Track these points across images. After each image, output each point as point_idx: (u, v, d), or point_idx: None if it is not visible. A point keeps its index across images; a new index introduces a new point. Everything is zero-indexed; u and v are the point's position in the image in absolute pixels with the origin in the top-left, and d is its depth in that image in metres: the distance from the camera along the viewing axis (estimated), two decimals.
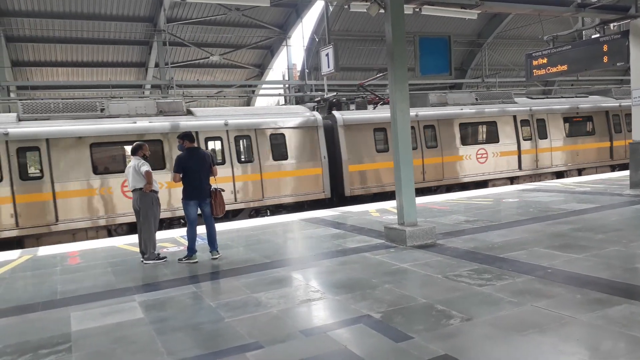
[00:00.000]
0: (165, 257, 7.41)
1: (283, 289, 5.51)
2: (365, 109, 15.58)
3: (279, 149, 13.42)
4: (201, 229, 7.40)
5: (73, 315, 5.05)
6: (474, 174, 15.98)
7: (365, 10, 8.00)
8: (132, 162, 7.31)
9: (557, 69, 10.09)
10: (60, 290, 6.08)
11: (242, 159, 13.06)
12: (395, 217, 7.98)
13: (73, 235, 11.38)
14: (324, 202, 13.94)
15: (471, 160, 15.90)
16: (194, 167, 7.10)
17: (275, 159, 13.34)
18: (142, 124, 12.03)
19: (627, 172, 11.78)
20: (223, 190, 7.42)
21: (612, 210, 9.03)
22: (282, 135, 13.52)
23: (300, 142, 13.69)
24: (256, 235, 9.12)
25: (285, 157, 13.48)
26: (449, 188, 15.57)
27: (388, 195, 14.33)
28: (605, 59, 9.38)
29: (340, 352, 3.77)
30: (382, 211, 10.98)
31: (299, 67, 25.01)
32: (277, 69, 25.82)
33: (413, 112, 14.42)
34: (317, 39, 22.67)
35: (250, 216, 13.09)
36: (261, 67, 25.88)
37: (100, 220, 11.51)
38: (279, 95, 24.55)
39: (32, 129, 11.10)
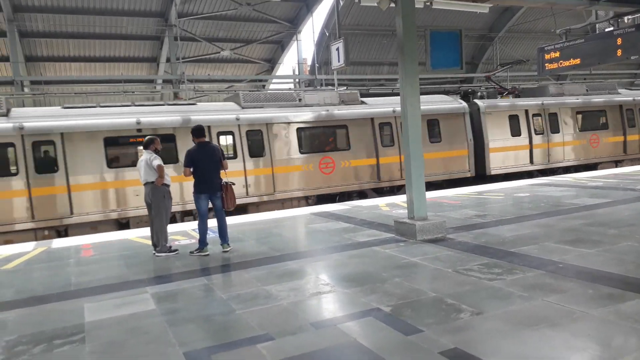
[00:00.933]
0: (176, 250, 7.48)
1: (293, 282, 5.54)
2: (495, 98, 17.54)
3: (433, 132, 15.25)
4: (212, 222, 7.46)
5: (86, 307, 5.13)
6: (587, 158, 17.92)
7: (376, 4, 7.96)
8: (144, 156, 7.37)
9: (570, 62, 9.96)
10: (74, 282, 6.17)
11: None
12: (405, 211, 7.97)
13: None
14: (468, 180, 15.65)
15: (585, 145, 17.89)
16: (204, 161, 7.15)
17: (431, 141, 15.04)
18: (333, 111, 14.23)
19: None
20: (234, 184, 7.46)
21: (625, 205, 8.94)
22: (437, 120, 15.31)
23: (450, 127, 15.56)
24: (267, 228, 9.16)
25: (439, 140, 15.29)
26: (567, 169, 17.59)
27: (519, 175, 16.34)
28: (619, 52, 9.24)
29: (350, 344, 3.79)
30: (392, 205, 10.97)
31: (309, 62, 24.98)
32: (288, 64, 25.92)
33: (539, 100, 16.93)
34: (327, 33, 22.60)
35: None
36: (271, 62, 25.88)
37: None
38: (289, 90, 24.54)
39: (255, 115, 13.21)
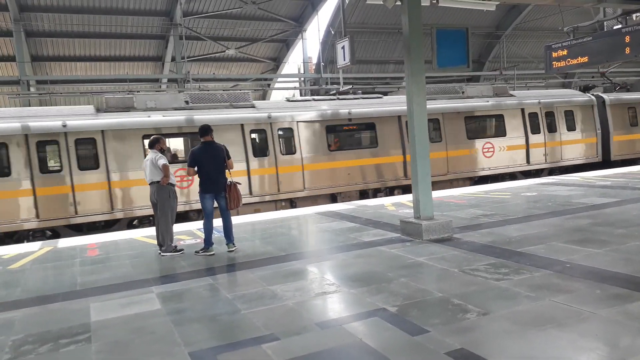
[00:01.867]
0: (182, 250, 7.48)
1: (299, 282, 5.53)
2: (612, 92, 19.25)
3: (569, 123, 17.36)
4: (218, 222, 7.46)
5: (92, 306, 5.14)
6: None
7: (382, 2, 7.93)
8: (150, 156, 7.39)
9: (578, 60, 9.88)
10: (80, 282, 6.19)
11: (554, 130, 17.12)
12: (411, 210, 7.93)
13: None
14: (595, 165, 17.65)
15: None
16: (208, 160, 7.14)
17: (568, 130, 17.32)
18: (493, 102, 16.32)
19: None
20: (239, 184, 7.45)
21: (634, 204, 8.87)
22: (572, 112, 17.35)
23: (582, 118, 17.51)
24: (272, 228, 9.15)
25: (574, 129, 17.42)
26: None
27: (636, 161, 18.20)
28: (627, 50, 9.15)
29: (355, 344, 3.78)
30: (398, 205, 10.94)
31: (314, 60, 24.95)
32: (293, 62, 25.80)
33: (608, 96, 18.52)
34: (332, 32, 22.57)
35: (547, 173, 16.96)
36: (277, 61, 25.87)
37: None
38: (294, 88, 24.53)
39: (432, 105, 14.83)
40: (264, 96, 26.64)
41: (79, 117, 11.56)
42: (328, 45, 23.25)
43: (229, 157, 7.35)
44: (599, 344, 3.51)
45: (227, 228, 7.35)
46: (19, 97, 18.31)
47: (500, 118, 16.34)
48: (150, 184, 7.39)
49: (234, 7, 21.44)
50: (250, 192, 12.76)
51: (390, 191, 14.61)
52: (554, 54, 10.25)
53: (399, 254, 6.48)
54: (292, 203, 13.47)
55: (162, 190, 7.32)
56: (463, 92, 16.54)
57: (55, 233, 11.36)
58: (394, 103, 14.83)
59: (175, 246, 7.51)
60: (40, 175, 11.00)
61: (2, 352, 4.09)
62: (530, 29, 27.15)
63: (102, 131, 11.53)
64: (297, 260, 6.53)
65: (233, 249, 7.33)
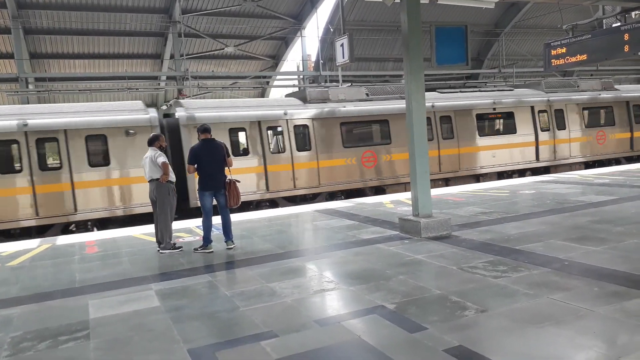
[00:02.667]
0: (181, 247, 7.49)
1: (297, 279, 5.54)
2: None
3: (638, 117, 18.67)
4: (217, 219, 7.46)
5: (91, 303, 5.14)
6: None
7: (380, 0, 7.92)
8: (149, 153, 7.38)
9: (577, 58, 9.88)
10: (79, 279, 6.19)
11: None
12: (410, 208, 7.94)
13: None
14: None
15: None
16: (208, 158, 7.14)
17: (637, 122, 18.52)
18: (604, 94, 18.16)
19: None
20: (239, 182, 7.44)
21: (632, 202, 8.88)
22: None
23: None
24: (270, 225, 9.16)
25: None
26: None
27: None
28: (626, 48, 9.16)
29: (354, 342, 3.78)
30: (396, 202, 10.95)
31: (313, 58, 24.91)
32: (292, 60, 25.78)
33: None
34: (331, 29, 22.54)
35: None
36: (276, 58, 25.83)
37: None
38: (294, 86, 24.51)
39: (559, 97, 17.28)
40: (262, 94, 26.61)
41: (295, 107, 13.82)
42: (327, 42, 23.22)
43: (228, 155, 7.35)
44: (596, 342, 3.53)
45: (226, 225, 7.36)
46: (18, 94, 18.27)
47: (609, 109, 18.07)
48: (150, 181, 7.38)
49: (232, 5, 21.40)
50: (440, 170, 15.37)
51: (521, 173, 16.75)
52: (553, 52, 10.26)
53: (398, 252, 6.48)
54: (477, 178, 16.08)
55: (162, 188, 7.31)
56: (578, 86, 18.29)
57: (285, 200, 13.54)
58: (527, 95, 17.22)
59: (174, 243, 7.51)
60: (270, 155, 13.29)
61: (0, 348, 4.09)
62: (529, 27, 27.14)
63: (312, 119, 13.71)
64: (296, 258, 6.53)
65: (232, 246, 7.33)
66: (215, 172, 7.20)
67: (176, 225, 9.03)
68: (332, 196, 13.99)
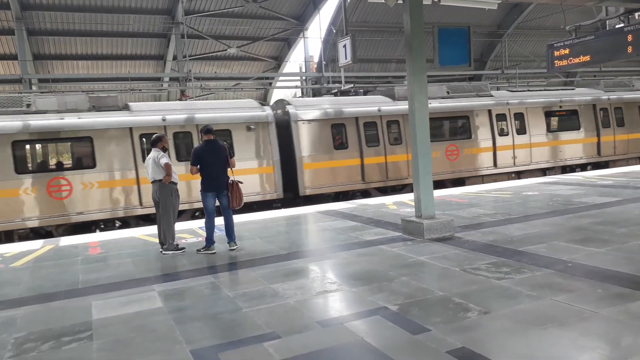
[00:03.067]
0: (183, 248, 7.50)
1: (300, 280, 5.54)
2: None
3: None
4: (220, 220, 7.46)
5: (94, 304, 5.15)
6: None
7: (383, 1, 7.93)
8: (152, 154, 7.39)
9: (580, 59, 9.86)
10: (82, 280, 6.20)
11: None
12: (413, 209, 7.94)
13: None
14: None
15: None
16: (210, 159, 7.15)
17: None
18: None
19: None
20: (241, 183, 7.45)
21: (635, 203, 8.85)
22: None
23: None
24: (273, 227, 9.16)
25: None
26: None
27: None
28: (630, 49, 9.13)
29: (356, 343, 3.78)
30: (399, 204, 10.94)
31: (315, 59, 24.90)
32: (294, 61, 25.78)
33: None
34: (334, 30, 22.53)
35: None
36: (278, 59, 25.83)
37: None
38: (296, 87, 24.51)
39: (619, 96, 18.47)
40: (265, 95, 26.61)
41: (387, 104, 14.80)
42: (329, 43, 23.21)
43: (231, 156, 7.36)
44: (600, 343, 3.51)
45: (229, 226, 7.36)
46: (21, 95, 18.30)
47: None
48: (153, 182, 7.40)
49: (235, 6, 21.41)
50: (514, 163, 16.39)
51: (583, 167, 17.72)
52: (556, 53, 10.24)
53: (401, 253, 6.48)
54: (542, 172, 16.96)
55: (165, 189, 7.32)
56: (633, 85, 19.27)
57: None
58: (587, 94, 18.11)
59: (177, 244, 7.52)
60: (367, 148, 14.30)
61: (4, 349, 4.10)
62: (532, 28, 27.07)
63: (402, 115, 14.36)
64: (299, 259, 6.53)
65: (234, 247, 7.34)
66: (218, 173, 7.21)
67: (179, 226, 9.05)
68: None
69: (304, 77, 24.33)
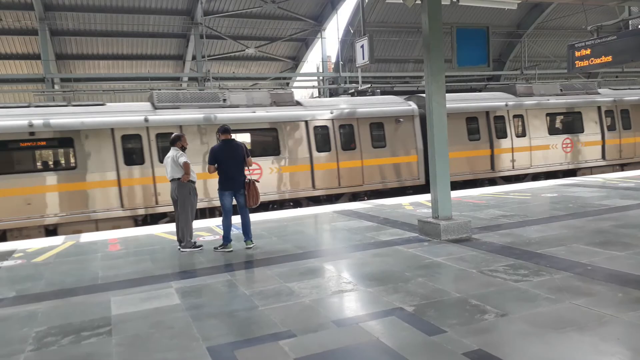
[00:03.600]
0: (201, 246, 7.57)
1: (316, 280, 5.55)
2: None
3: None
4: (237, 219, 7.51)
5: (113, 300, 5.23)
6: None
7: (401, 1, 7.90)
8: (171, 153, 7.48)
9: (601, 60, 9.70)
10: (101, 276, 6.30)
11: None
12: (429, 210, 7.89)
13: None
14: None
15: None
16: (228, 158, 7.21)
17: None
18: None
19: None
20: (257, 181, 7.50)
21: None
22: None
23: None
24: (289, 226, 9.19)
25: None
26: None
27: None
28: None
29: (372, 343, 3.78)
30: (415, 204, 10.89)
31: (333, 59, 24.91)
32: (312, 61, 25.84)
33: None
34: (352, 31, 22.51)
35: None
36: (295, 59, 25.92)
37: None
38: (313, 87, 24.56)
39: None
40: None
41: (512, 100, 16.06)
42: (347, 44, 23.20)
43: (248, 155, 7.41)
44: (621, 349, 3.46)
45: (246, 225, 7.42)
46: (44, 94, 18.67)
47: None
48: (171, 180, 7.48)
49: (254, 7, 21.54)
50: (620, 156, 17.48)
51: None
52: (577, 53, 10.09)
53: (417, 254, 6.45)
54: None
55: (183, 187, 7.40)
56: None
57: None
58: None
59: (195, 242, 7.60)
60: (496, 140, 15.60)
61: (26, 343, 4.19)
62: (553, 28, 26.71)
63: (525, 110, 16.05)
64: (315, 258, 6.55)
65: (251, 245, 7.39)
66: (234, 172, 7.27)
67: (197, 224, 9.13)
68: (535, 177, 16.41)
69: (321, 77, 24.35)
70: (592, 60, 9.80)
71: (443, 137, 7.44)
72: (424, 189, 14.16)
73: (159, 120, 11.80)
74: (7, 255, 7.96)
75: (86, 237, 9.42)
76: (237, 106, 12.98)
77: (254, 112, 12.86)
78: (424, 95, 15.35)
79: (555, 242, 6.59)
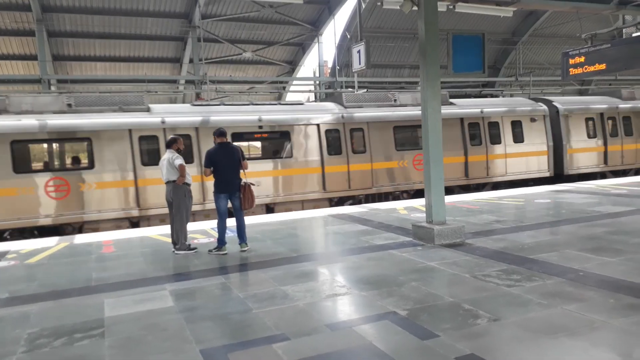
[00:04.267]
0: (195, 248, 7.57)
1: (310, 283, 5.56)
2: None
3: None
4: (232, 222, 7.52)
5: (106, 302, 5.22)
6: None
7: (398, 7, 7.95)
8: (166, 155, 7.49)
9: (595, 67, 9.78)
10: (95, 277, 6.29)
11: None
12: (424, 215, 7.93)
13: None
14: None
15: None
16: (223, 161, 7.23)
17: None
18: None
19: None
20: (254, 185, 7.51)
21: None
22: None
23: None
24: (284, 229, 9.20)
25: None
26: None
27: None
28: None
29: (365, 347, 3.79)
30: (410, 209, 10.92)
31: (329, 64, 24.96)
32: (308, 66, 25.90)
33: None
34: (348, 36, 22.59)
35: None
36: (292, 64, 25.97)
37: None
38: (310, 91, 24.61)
39: None
40: (279, 99, 26.73)
41: (620, 102, 17.89)
42: (344, 49, 23.28)
43: (244, 158, 7.42)
44: (611, 354, 3.49)
45: (240, 228, 7.42)
46: (40, 95, 18.61)
47: None
48: (167, 183, 7.49)
49: (251, 11, 21.59)
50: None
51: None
52: (571, 61, 10.17)
53: (411, 258, 6.48)
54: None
55: (178, 190, 7.41)
56: None
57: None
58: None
59: (189, 245, 7.59)
60: (609, 137, 17.55)
61: (18, 345, 4.18)
62: (547, 36, 26.89)
63: (633, 112, 17.92)
64: (309, 262, 6.56)
65: (246, 248, 7.39)
66: (230, 175, 7.28)
67: (191, 226, 9.12)
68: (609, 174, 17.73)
69: (317, 82, 24.42)
70: (586, 68, 9.88)
71: (438, 143, 7.48)
72: (552, 180, 16.34)
73: (351, 117, 14.11)
74: (0, 256, 7.93)
75: (80, 238, 9.39)
76: (405, 105, 14.99)
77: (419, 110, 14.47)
78: (548, 98, 17.89)
79: (547, 247, 6.63)
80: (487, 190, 15.52)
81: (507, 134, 16.11)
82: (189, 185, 7.55)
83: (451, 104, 15.69)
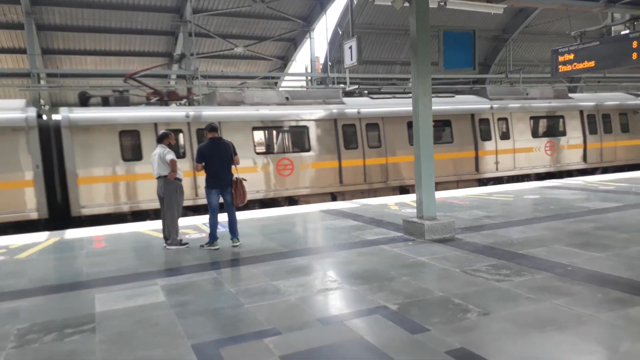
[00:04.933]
0: (187, 243, 7.56)
1: (301, 278, 5.58)
2: None
3: None
4: (223, 217, 7.52)
5: (97, 297, 5.21)
6: None
7: (390, 4, 7.96)
8: (158, 150, 7.46)
9: (584, 65, 9.87)
10: (86, 273, 6.26)
11: None
12: (414, 210, 7.98)
13: None
14: None
15: None
16: (215, 156, 7.22)
17: None
18: None
19: None
20: (245, 180, 7.51)
21: (637, 209, 8.86)
22: None
23: None
24: (276, 224, 9.21)
25: None
26: None
27: None
28: (635, 55, 9.14)
29: (356, 341, 3.82)
30: (401, 204, 10.97)
31: (321, 60, 24.94)
32: (300, 61, 25.84)
33: None
34: (340, 32, 22.59)
35: None
36: (284, 59, 25.91)
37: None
38: (301, 87, 24.57)
39: None
40: None
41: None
42: (335, 45, 23.27)
43: (235, 153, 7.41)
44: (599, 347, 3.55)
45: (232, 223, 7.43)
46: (29, 89, 18.44)
47: None
48: (158, 178, 7.46)
49: (243, 6, 21.49)
50: None
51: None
52: (561, 58, 10.25)
53: (401, 253, 6.52)
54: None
55: (169, 185, 7.39)
56: None
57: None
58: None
59: (181, 240, 7.58)
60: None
61: (7, 340, 4.16)
62: (537, 33, 27.06)
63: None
64: (300, 257, 6.58)
65: (237, 244, 7.40)
66: (222, 170, 7.27)
67: (183, 221, 9.10)
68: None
69: (309, 77, 24.39)
70: (575, 65, 9.97)
71: (429, 140, 7.52)
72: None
73: (499, 108, 16.25)
74: None
75: (71, 233, 9.33)
76: (534, 98, 17.19)
77: (550, 103, 17.33)
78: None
79: (536, 243, 6.70)
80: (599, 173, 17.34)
81: (598, 126, 17.95)
82: (180, 180, 7.53)
83: (570, 98, 17.82)
